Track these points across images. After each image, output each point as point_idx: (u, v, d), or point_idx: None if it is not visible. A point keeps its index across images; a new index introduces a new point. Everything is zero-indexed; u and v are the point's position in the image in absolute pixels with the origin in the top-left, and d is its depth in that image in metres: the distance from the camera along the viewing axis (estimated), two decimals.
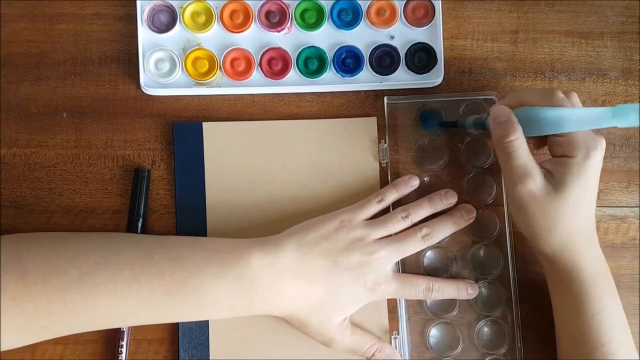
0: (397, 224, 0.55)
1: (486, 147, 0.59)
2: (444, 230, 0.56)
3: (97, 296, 0.49)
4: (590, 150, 0.50)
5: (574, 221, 0.51)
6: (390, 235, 0.55)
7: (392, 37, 0.60)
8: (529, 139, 0.52)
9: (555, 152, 0.52)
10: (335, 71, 0.59)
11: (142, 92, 0.59)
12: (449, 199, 0.57)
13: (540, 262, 0.56)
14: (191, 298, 0.51)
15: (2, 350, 0.50)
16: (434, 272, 0.58)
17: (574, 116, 0.49)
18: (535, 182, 0.50)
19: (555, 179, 0.50)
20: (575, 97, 0.52)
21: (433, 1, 0.60)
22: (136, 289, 0.50)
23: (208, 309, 0.52)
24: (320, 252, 0.53)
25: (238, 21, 0.59)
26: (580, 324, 0.51)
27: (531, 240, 0.53)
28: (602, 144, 0.51)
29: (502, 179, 0.58)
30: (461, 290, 0.56)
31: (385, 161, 0.59)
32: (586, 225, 0.52)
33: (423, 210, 0.56)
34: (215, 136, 0.59)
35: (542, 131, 0.50)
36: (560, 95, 0.51)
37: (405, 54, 0.60)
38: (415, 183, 0.57)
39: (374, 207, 0.56)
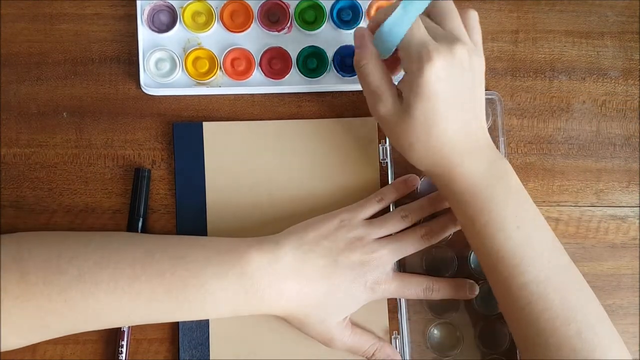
0: (397, 223, 0.55)
1: None
2: (444, 230, 0.56)
3: (97, 295, 0.49)
4: (424, 63, 0.46)
5: (431, 138, 0.48)
6: (390, 235, 0.55)
7: None
8: (385, 60, 0.51)
9: (404, 69, 0.50)
10: (335, 71, 0.59)
11: (142, 92, 0.59)
12: None
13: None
14: (192, 297, 0.51)
15: (2, 350, 0.50)
16: (434, 272, 0.58)
17: (390, 19, 0.48)
18: (385, 105, 0.50)
19: (403, 98, 0.49)
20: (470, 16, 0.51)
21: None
22: (137, 288, 0.50)
23: (208, 308, 0.52)
24: (320, 252, 0.53)
25: (238, 21, 0.59)
26: (474, 238, 0.50)
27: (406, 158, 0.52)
28: (440, 53, 0.46)
29: None
30: (461, 290, 0.56)
31: (385, 161, 0.59)
32: (453, 137, 0.48)
33: (423, 210, 0.56)
34: (215, 136, 0.59)
35: (383, 48, 0.49)
36: (400, 8, 0.48)
37: None
38: (415, 183, 0.57)
39: (374, 207, 0.56)
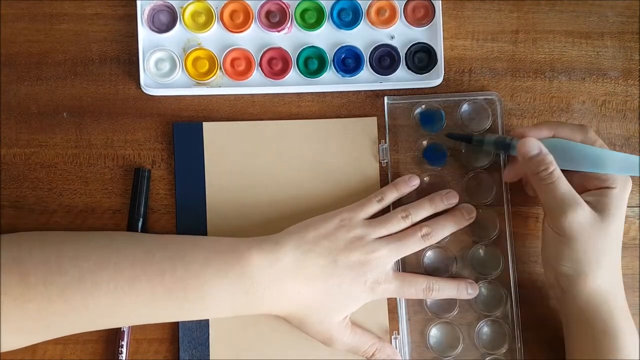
0: (397, 223, 0.55)
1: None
2: (444, 230, 0.56)
3: (98, 295, 0.49)
4: (627, 183, 0.52)
5: (618, 253, 0.52)
6: (390, 235, 0.55)
7: (392, 37, 0.60)
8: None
9: (590, 184, 0.52)
10: (335, 71, 0.59)
11: (142, 92, 0.59)
12: (450, 200, 0.57)
13: (566, 303, 0.53)
14: (192, 297, 0.51)
15: (3, 350, 0.50)
16: (434, 272, 0.58)
17: (619, 161, 0.51)
18: (584, 210, 0.50)
19: (599, 209, 0.51)
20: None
21: (433, 1, 0.60)
22: (137, 288, 0.50)
23: (209, 308, 0.52)
24: (320, 251, 0.53)
25: (238, 21, 0.59)
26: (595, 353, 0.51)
27: (575, 278, 0.51)
28: (631, 180, 0.53)
29: (504, 165, 0.58)
30: (461, 290, 0.56)
31: (385, 161, 0.59)
32: (619, 259, 0.53)
33: (423, 210, 0.56)
34: (215, 136, 0.59)
35: (578, 166, 0.51)
36: (593, 133, 0.53)
37: (405, 54, 0.60)
38: (415, 182, 0.57)
39: (374, 207, 0.56)
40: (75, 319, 0.50)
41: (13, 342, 0.50)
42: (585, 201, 0.51)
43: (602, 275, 0.51)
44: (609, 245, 0.51)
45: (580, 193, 0.51)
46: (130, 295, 0.50)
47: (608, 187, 0.51)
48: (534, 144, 0.51)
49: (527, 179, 0.57)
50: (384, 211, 0.57)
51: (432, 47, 0.60)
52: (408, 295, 0.56)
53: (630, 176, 0.58)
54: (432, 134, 0.59)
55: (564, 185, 0.50)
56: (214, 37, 0.59)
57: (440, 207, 0.57)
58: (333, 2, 0.59)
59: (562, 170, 0.51)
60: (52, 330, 0.51)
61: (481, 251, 0.58)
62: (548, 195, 0.51)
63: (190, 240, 0.54)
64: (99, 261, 0.50)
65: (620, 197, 0.51)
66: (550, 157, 0.50)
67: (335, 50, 0.59)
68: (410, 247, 0.55)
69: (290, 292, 0.52)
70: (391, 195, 0.57)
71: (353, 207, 0.56)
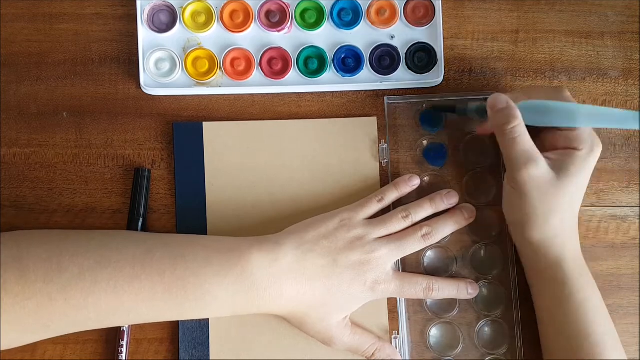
0: (397, 223, 0.55)
1: (487, 146, 0.59)
2: (444, 230, 0.56)
3: (97, 294, 0.49)
4: (595, 147, 0.52)
5: (569, 211, 0.53)
6: (390, 234, 0.55)
7: (392, 37, 0.60)
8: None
9: (558, 144, 0.53)
10: (335, 71, 0.59)
11: (142, 92, 0.59)
12: (451, 199, 0.57)
13: (521, 252, 0.56)
14: (192, 296, 0.51)
15: (2, 349, 0.50)
16: (434, 271, 0.58)
17: (589, 112, 0.51)
18: (539, 167, 0.51)
19: (558, 167, 0.52)
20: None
21: (433, 1, 0.60)
22: (137, 286, 0.50)
23: (208, 307, 0.52)
24: (320, 251, 0.53)
25: (238, 21, 0.59)
26: (565, 314, 0.52)
27: (520, 228, 0.54)
28: (600, 145, 0.53)
29: (504, 166, 0.58)
30: (461, 290, 0.56)
31: (385, 161, 0.59)
32: (574, 217, 0.54)
33: (424, 210, 0.56)
34: (215, 136, 0.59)
35: (551, 121, 0.52)
36: (568, 93, 0.53)
37: (406, 54, 0.60)
38: (415, 182, 0.57)
39: (374, 207, 0.56)
40: (75, 317, 0.50)
41: (13, 340, 0.50)
42: (548, 159, 0.52)
43: (549, 229, 0.52)
44: (560, 203, 0.52)
45: (548, 149, 0.52)
46: (130, 293, 0.50)
47: (574, 149, 0.52)
48: (502, 98, 0.52)
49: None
50: (384, 211, 0.57)
51: (432, 47, 0.60)
52: (408, 295, 0.56)
53: (625, 185, 0.59)
54: (432, 134, 0.59)
55: (525, 142, 0.51)
56: (214, 37, 0.59)
57: (441, 207, 0.57)
58: (333, 2, 0.59)
59: (535, 128, 0.52)
60: (52, 328, 0.51)
61: (481, 251, 0.58)
62: (509, 150, 0.52)
63: (190, 239, 0.54)
64: (99, 259, 0.50)
65: (585, 159, 0.52)
66: (517, 112, 0.52)
67: (335, 50, 0.59)
68: (410, 246, 0.55)
69: (290, 292, 0.52)
70: (391, 195, 0.57)
71: (353, 207, 0.56)
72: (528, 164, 0.51)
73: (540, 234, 0.53)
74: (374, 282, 0.54)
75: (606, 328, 0.52)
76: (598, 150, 0.52)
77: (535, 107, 0.52)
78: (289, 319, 0.54)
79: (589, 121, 0.51)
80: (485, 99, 0.54)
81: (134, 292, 0.50)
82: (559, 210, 0.52)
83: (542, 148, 0.52)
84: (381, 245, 0.54)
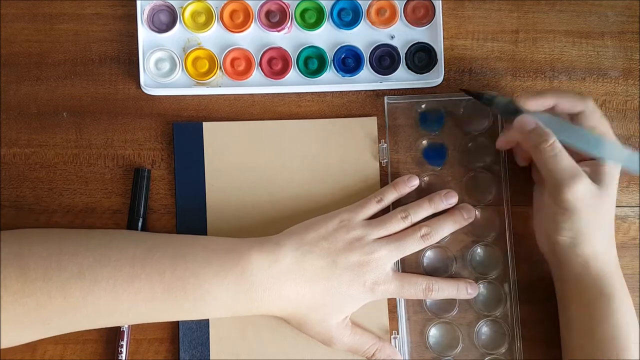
0: (397, 223, 0.55)
1: (486, 146, 0.59)
2: (444, 230, 0.56)
3: (97, 292, 0.49)
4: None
5: (612, 221, 0.53)
6: (390, 235, 0.55)
7: (392, 37, 0.60)
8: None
9: (585, 156, 0.52)
10: (335, 71, 0.59)
11: (142, 92, 0.59)
12: (450, 199, 0.57)
13: (566, 269, 0.54)
14: (191, 297, 0.51)
15: (2, 347, 0.50)
16: (434, 272, 0.58)
17: (612, 149, 0.52)
18: (585, 183, 0.51)
19: (596, 180, 0.51)
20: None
21: (433, 1, 0.60)
22: (136, 285, 0.50)
23: (208, 307, 0.52)
24: (320, 252, 0.53)
25: (238, 21, 0.59)
26: (609, 327, 0.51)
27: (570, 245, 0.52)
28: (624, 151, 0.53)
29: (504, 166, 0.58)
30: (461, 290, 0.56)
31: (385, 161, 0.59)
32: (613, 228, 0.54)
33: (423, 210, 0.56)
34: (215, 136, 0.59)
35: (575, 143, 0.52)
36: (593, 104, 0.53)
37: (406, 54, 0.60)
38: (414, 183, 0.57)
39: (374, 207, 0.56)
40: (74, 316, 0.50)
41: (12, 338, 0.50)
42: (585, 172, 0.51)
43: (598, 242, 0.52)
44: (606, 214, 0.52)
45: (577, 162, 0.52)
46: (129, 292, 0.50)
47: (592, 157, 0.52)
48: (529, 120, 0.52)
49: (517, 149, 0.57)
50: (384, 212, 0.57)
51: (432, 47, 0.60)
52: (408, 296, 0.56)
53: (625, 185, 0.59)
54: (432, 134, 0.59)
55: (566, 158, 0.51)
56: (214, 37, 0.59)
57: (440, 207, 0.57)
58: (333, 2, 0.59)
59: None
60: (52, 327, 0.51)
61: (481, 251, 0.58)
62: (550, 168, 0.51)
63: (190, 239, 0.54)
64: (99, 258, 0.50)
65: (614, 167, 0.52)
66: (549, 131, 0.51)
67: (335, 50, 0.59)
68: (409, 247, 0.55)
69: (289, 293, 0.52)
70: (390, 196, 0.57)
71: (352, 207, 0.56)
72: (574, 179, 0.50)
73: (591, 247, 0.52)
74: (373, 283, 0.54)
75: (637, 337, 0.52)
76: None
77: (560, 128, 0.52)
78: (288, 320, 0.54)
79: (615, 160, 0.52)
80: (512, 99, 0.54)
81: (134, 291, 0.50)
82: (607, 220, 0.53)
83: None
84: (380, 246, 0.54)
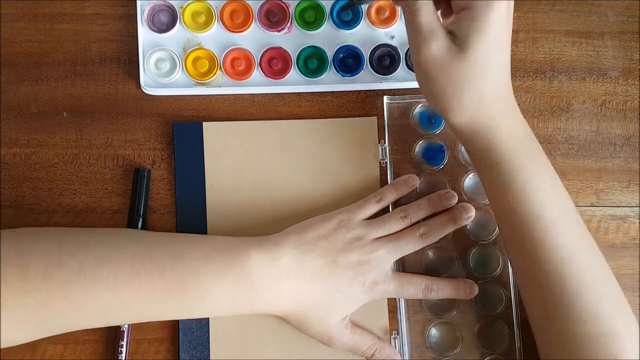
0: (396, 223, 0.55)
1: None
2: (443, 229, 0.56)
3: (97, 290, 0.49)
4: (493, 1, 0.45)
5: (484, 84, 0.46)
6: (389, 235, 0.55)
7: (392, 37, 0.60)
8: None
9: (456, 7, 0.46)
10: (335, 71, 0.59)
11: (142, 91, 0.59)
12: (449, 200, 0.57)
13: (459, 139, 0.51)
14: (191, 295, 0.51)
15: (2, 347, 0.50)
16: (434, 271, 0.58)
17: None
18: (439, 42, 0.45)
19: (459, 37, 0.45)
20: None
21: None
22: (136, 284, 0.50)
23: (208, 306, 0.52)
24: (319, 252, 0.53)
25: (238, 21, 0.59)
26: (510, 199, 0.48)
27: (442, 115, 0.48)
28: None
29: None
30: (460, 290, 0.56)
31: (385, 161, 0.59)
32: (500, 90, 0.47)
33: (422, 210, 0.56)
34: (215, 136, 0.59)
35: None
36: None
37: (406, 54, 0.60)
38: (414, 183, 0.57)
39: (373, 207, 0.56)
40: (74, 315, 0.50)
41: (12, 336, 0.50)
42: (449, 30, 0.46)
43: (466, 111, 0.47)
44: (470, 79, 0.45)
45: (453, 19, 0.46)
46: (129, 291, 0.50)
47: (467, 8, 0.45)
48: None
49: None
50: (383, 211, 0.57)
51: None
52: (407, 296, 0.56)
53: (625, 185, 0.58)
54: (432, 134, 0.59)
55: (426, 14, 0.45)
56: (214, 36, 0.59)
57: (439, 207, 0.57)
58: (333, 1, 0.59)
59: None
60: (52, 325, 0.51)
61: (481, 251, 0.58)
62: (409, 27, 0.46)
63: (190, 238, 0.54)
64: (99, 256, 0.50)
65: (482, 18, 0.44)
66: None
67: (335, 50, 0.59)
68: (408, 246, 0.55)
69: (289, 292, 0.52)
70: (390, 196, 0.57)
71: (352, 207, 0.56)
72: (427, 39, 0.45)
73: (460, 117, 0.47)
74: (373, 283, 0.54)
75: (559, 205, 0.48)
76: (500, 4, 0.44)
77: None
78: (288, 319, 0.54)
79: None
80: None
81: (134, 290, 0.50)
82: (468, 88, 0.46)
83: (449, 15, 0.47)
84: (380, 245, 0.54)
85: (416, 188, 0.58)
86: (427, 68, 0.46)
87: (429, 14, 0.45)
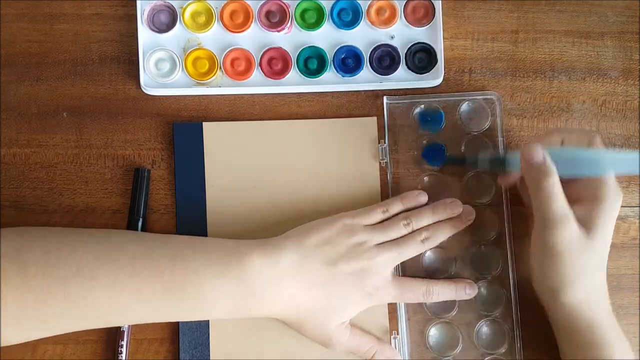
0: (398, 230, 0.55)
1: (486, 149, 0.59)
2: (444, 233, 0.56)
3: (96, 290, 0.49)
4: (618, 197, 0.51)
5: (599, 269, 0.51)
6: (390, 240, 0.55)
7: (392, 37, 0.60)
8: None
9: (581, 194, 0.51)
10: (335, 71, 0.59)
11: (142, 92, 0.59)
12: (454, 209, 0.56)
13: (553, 316, 0.53)
14: (190, 297, 0.51)
15: (2, 345, 0.50)
16: (433, 272, 0.58)
17: (615, 158, 0.51)
18: (572, 227, 0.49)
19: (586, 225, 0.50)
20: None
21: (433, 1, 0.60)
22: (136, 284, 0.50)
23: (207, 308, 0.52)
24: (320, 256, 0.53)
25: (238, 21, 0.59)
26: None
27: (552, 291, 0.51)
28: (621, 196, 0.51)
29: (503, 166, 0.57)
30: (460, 291, 0.56)
31: (385, 161, 0.59)
32: (603, 276, 0.52)
33: (426, 219, 0.56)
34: (215, 136, 0.59)
35: (578, 171, 0.51)
36: (600, 141, 0.52)
37: (405, 54, 0.60)
38: (423, 199, 0.57)
39: (378, 217, 0.56)
40: (74, 314, 0.50)
41: (11, 335, 0.50)
42: (576, 216, 0.50)
43: (578, 291, 0.50)
44: (591, 261, 0.51)
45: (574, 202, 0.50)
46: (129, 291, 0.50)
47: (598, 202, 0.50)
48: (539, 151, 0.50)
49: (523, 186, 0.55)
50: None
51: (432, 47, 0.60)
52: (407, 300, 0.56)
53: (625, 185, 0.58)
54: (432, 134, 0.59)
55: (559, 200, 0.50)
56: (214, 37, 0.59)
57: (443, 216, 0.56)
58: (333, 2, 0.59)
59: (561, 180, 0.50)
60: (51, 324, 0.51)
61: (481, 251, 0.58)
62: (542, 207, 0.50)
63: (191, 240, 0.54)
64: (98, 256, 0.50)
65: (609, 213, 0.50)
66: (553, 167, 0.50)
67: (335, 50, 0.59)
68: (410, 252, 0.55)
69: (289, 296, 0.52)
70: (396, 207, 0.56)
71: (356, 213, 0.56)
72: (561, 223, 0.49)
73: (573, 296, 0.51)
74: (373, 288, 0.54)
75: None
76: (620, 201, 0.51)
77: (558, 156, 0.50)
78: (287, 322, 0.54)
79: (617, 168, 0.50)
80: (494, 147, 0.53)
81: (133, 290, 0.50)
82: (591, 270, 0.51)
83: (567, 199, 0.51)
84: (382, 251, 0.54)
85: (416, 187, 0.58)
86: (556, 249, 0.50)
87: (562, 199, 0.50)
